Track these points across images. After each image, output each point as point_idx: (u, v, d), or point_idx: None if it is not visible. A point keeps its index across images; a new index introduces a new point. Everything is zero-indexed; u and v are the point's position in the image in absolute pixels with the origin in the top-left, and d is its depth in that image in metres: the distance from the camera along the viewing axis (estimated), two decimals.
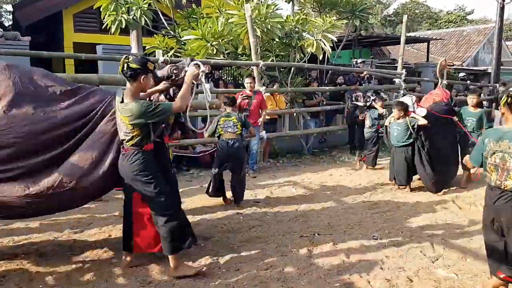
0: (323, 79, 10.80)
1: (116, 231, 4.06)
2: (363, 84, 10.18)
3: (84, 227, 4.31)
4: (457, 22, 42.79)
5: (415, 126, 5.71)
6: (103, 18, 8.39)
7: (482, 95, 12.78)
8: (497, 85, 12.62)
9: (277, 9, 8.63)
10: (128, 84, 3.11)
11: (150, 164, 3.19)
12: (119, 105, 3.11)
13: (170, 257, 3.25)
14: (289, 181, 6.46)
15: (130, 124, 3.05)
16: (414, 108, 5.93)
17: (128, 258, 3.41)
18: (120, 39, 9.64)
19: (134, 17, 8.01)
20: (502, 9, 12.99)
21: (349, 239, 4.07)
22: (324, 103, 9.21)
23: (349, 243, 3.98)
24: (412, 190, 5.99)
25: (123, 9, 8.12)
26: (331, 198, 5.60)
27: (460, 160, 6.05)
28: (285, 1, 10.41)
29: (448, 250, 3.84)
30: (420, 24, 43.92)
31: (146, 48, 9.05)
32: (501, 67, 14.72)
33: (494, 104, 12.18)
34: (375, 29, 32.31)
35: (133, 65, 3.01)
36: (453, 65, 20.23)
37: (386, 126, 6.26)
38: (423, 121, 5.65)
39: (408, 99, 6.01)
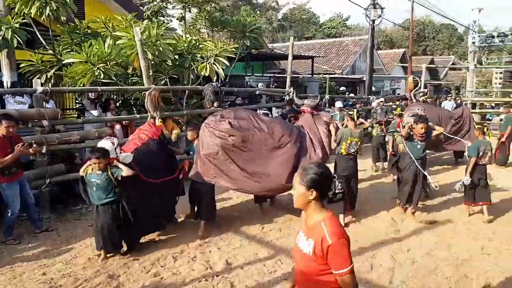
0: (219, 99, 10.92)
1: None
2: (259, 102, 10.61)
3: None
4: (338, 28, 47.05)
5: (119, 178, 4.45)
6: None
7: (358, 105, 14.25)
8: (370, 97, 14.19)
9: (167, 28, 8.51)
10: (351, 122, 6.24)
11: None
12: (351, 132, 6.03)
13: (342, 215, 5.78)
14: None
15: (360, 141, 6.05)
16: (117, 153, 4.62)
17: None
18: None
19: (4, 37, 7.10)
20: (373, 29, 14.61)
21: (246, 276, 4.29)
22: None
23: (247, 282, 4.19)
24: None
25: None
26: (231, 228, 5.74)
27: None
28: (177, 19, 10.31)
29: None
30: (308, 29, 47.14)
31: (21, 66, 8.14)
32: (374, 74, 16.61)
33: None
34: (268, 36, 33.77)
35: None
36: (334, 73, 22.18)
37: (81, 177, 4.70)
38: (127, 171, 4.46)
39: (107, 143, 4.60)
